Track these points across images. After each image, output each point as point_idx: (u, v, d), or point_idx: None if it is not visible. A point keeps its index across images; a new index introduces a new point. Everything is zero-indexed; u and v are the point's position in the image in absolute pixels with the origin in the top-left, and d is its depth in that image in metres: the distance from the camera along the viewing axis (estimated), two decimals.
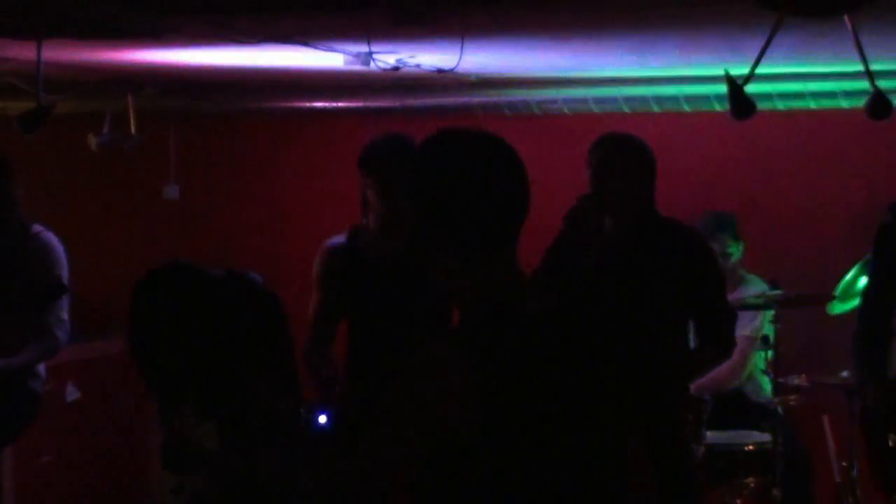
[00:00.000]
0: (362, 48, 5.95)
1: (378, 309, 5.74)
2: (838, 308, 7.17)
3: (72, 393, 7.25)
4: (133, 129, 7.87)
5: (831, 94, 7.30)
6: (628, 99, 7.55)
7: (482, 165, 2.92)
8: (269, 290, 4.95)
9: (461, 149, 2.97)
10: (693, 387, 6.41)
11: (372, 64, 6.11)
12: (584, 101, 7.58)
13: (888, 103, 5.42)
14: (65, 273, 6.05)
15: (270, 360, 4.88)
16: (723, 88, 5.41)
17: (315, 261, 5.90)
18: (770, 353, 6.77)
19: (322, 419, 7.83)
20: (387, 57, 6.18)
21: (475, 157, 2.94)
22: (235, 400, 4.80)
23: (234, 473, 4.80)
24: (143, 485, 7.74)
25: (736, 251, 7.33)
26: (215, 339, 4.72)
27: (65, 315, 6.07)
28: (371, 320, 5.77)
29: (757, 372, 7.28)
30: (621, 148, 5.39)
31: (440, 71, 6.60)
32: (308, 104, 8.07)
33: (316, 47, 6.00)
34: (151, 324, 4.70)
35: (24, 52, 5.88)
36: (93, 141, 7.84)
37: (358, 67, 6.26)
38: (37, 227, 6.10)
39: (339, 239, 5.88)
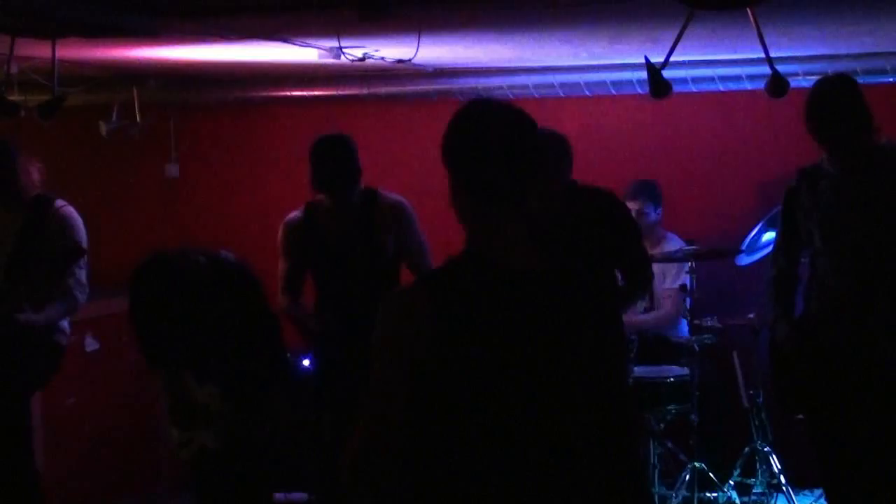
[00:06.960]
0: (333, 43, 5.91)
1: (334, 267, 5.96)
2: (745, 260, 7.18)
3: (91, 344, 7.21)
4: (138, 117, 7.91)
5: (736, 77, 7.28)
6: (563, 84, 7.54)
7: (496, 131, 2.86)
8: (240, 262, 4.91)
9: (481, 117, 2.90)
10: (634, 329, 6.85)
11: (342, 57, 6.08)
12: (526, 86, 7.56)
13: (785, 84, 5.41)
14: (83, 240, 5.97)
15: (252, 325, 4.84)
16: (643, 73, 5.38)
17: (278, 234, 6.08)
18: (688, 299, 6.77)
19: (306, 363, 7.82)
20: (354, 51, 6.14)
21: (490, 125, 2.88)
22: (230, 364, 4.75)
23: (237, 428, 4.76)
24: (154, 426, 7.70)
25: (652, 212, 7.33)
26: (202, 317, 4.68)
27: (83, 278, 6.00)
28: (329, 275, 6.00)
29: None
30: (549, 145, 5.44)
31: (400, 62, 6.56)
32: (288, 93, 8.01)
33: (293, 43, 5.95)
34: (147, 310, 4.68)
35: (40, 50, 5.81)
36: (103, 127, 7.92)
37: (330, 60, 6.23)
38: (59, 202, 6.03)
39: (297, 214, 6.05)
